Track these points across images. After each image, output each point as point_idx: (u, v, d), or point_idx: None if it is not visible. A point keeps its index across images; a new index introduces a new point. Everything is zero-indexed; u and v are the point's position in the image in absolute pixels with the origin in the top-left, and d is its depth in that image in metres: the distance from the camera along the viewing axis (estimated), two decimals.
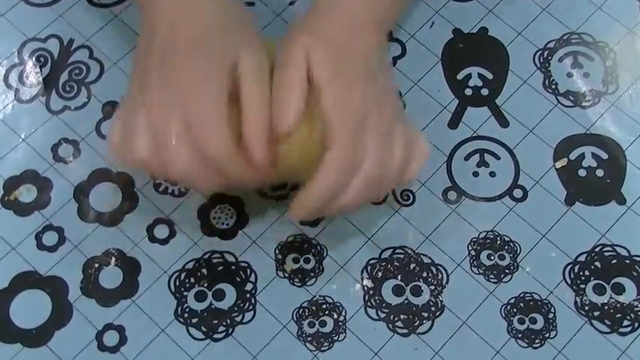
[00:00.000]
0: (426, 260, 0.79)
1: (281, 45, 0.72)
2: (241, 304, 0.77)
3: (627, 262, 0.79)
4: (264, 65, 0.70)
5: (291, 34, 0.72)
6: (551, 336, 0.76)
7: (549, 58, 0.86)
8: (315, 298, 0.77)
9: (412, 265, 0.78)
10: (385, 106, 0.72)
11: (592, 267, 0.78)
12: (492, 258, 0.79)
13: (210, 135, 0.67)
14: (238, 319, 0.77)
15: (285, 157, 0.69)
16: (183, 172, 0.68)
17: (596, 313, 0.77)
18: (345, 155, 0.68)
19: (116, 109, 0.74)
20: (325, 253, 0.79)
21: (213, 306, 0.77)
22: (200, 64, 0.69)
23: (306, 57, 0.70)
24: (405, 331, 0.76)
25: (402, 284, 0.78)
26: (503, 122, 0.84)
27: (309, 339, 0.76)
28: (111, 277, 0.78)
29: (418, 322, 0.77)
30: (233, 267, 0.78)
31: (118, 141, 0.70)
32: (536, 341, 0.76)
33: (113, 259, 0.79)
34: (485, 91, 0.85)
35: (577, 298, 0.77)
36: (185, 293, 0.77)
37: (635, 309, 0.77)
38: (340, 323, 0.76)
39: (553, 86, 0.85)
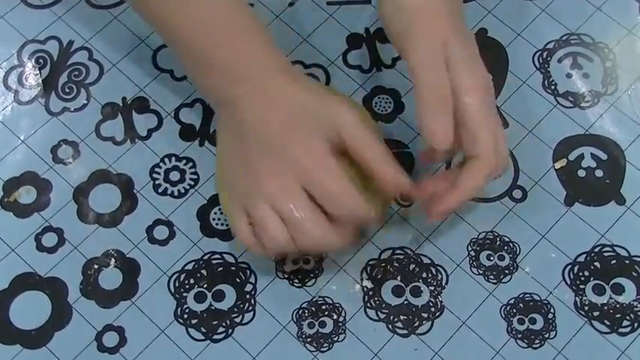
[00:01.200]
0: (426, 261, 0.79)
1: (414, 34, 0.72)
2: (241, 305, 0.77)
3: (627, 262, 0.79)
4: (359, 118, 0.72)
5: (425, 23, 0.73)
6: (550, 336, 0.76)
7: (549, 58, 0.87)
8: (314, 299, 0.77)
9: (412, 266, 0.78)
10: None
11: (591, 267, 0.78)
12: (492, 258, 0.79)
13: (343, 197, 0.71)
14: (238, 319, 0.77)
15: None
16: (318, 241, 0.71)
17: (596, 314, 0.77)
18: (490, 164, 0.72)
19: (233, 206, 0.74)
20: (325, 253, 0.79)
21: (212, 307, 0.77)
22: (302, 137, 0.71)
23: (445, 54, 0.71)
24: (405, 331, 0.76)
25: (402, 285, 0.78)
26: (503, 123, 0.84)
27: (308, 340, 0.76)
28: (110, 278, 0.78)
29: (418, 322, 0.77)
30: (233, 268, 0.78)
31: (254, 241, 0.72)
32: (536, 341, 0.76)
33: (113, 260, 0.79)
34: None
35: (577, 298, 0.77)
36: (185, 294, 0.77)
37: (635, 309, 0.77)
38: (340, 324, 0.76)
39: (552, 87, 0.85)
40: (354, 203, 0.71)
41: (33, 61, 0.87)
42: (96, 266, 0.78)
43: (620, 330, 0.76)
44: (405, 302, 0.77)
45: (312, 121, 0.71)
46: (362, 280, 0.78)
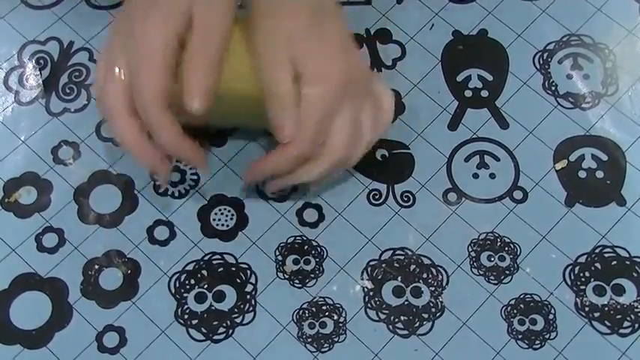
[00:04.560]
0: (426, 261, 0.79)
1: (258, 28, 0.72)
2: (241, 306, 0.77)
3: (627, 263, 0.79)
4: (221, 14, 0.70)
5: (270, 16, 0.72)
6: (551, 337, 0.76)
7: (549, 59, 0.87)
8: (315, 300, 0.77)
9: (412, 267, 0.78)
10: (356, 78, 0.74)
11: (592, 268, 0.78)
12: (492, 259, 0.79)
13: (144, 82, 0.69)
14: (238, 320, 0.77)
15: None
16: (111, 110, 0.71)
17: (597, 314, 0.77)
18: (302, 149, 0.72)
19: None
20: (325, 254, 0.79)
21: (213, 307, 0.77)
22: (150, 13, 0.69)
23: (291, 49, 0.71)
24: (406, 332, 0.76)
25: (402, 285, 0.78)
26: (503, 124, 0.84)
27: (309, 340, 0.76)
28: (111, 278, 0.78)
29: (418, 323, 0.77)
30: (233, 268, 0.78)
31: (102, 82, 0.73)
32: (537, 342, 0.76)
33: (113, 260, 0.79)
34: (485, 93, 0.85)
35: (577, 299, 0.77)
36: (185, 295, 0.77)
37: (636, 310, 0.77)
38: (340, 324, 0.76)
39: (553, 88, 0.85)
40: (154, 98, 0.69)
41: (33, 61, 0.87)
42: (96, 266, 0.78)
43: (621, 331, 0.76)
44: (406, 303, 0.77)
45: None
46: (362, 280, 0.78)
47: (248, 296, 0.77)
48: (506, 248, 0.79)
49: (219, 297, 0.77)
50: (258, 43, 0.72)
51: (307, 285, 0.78)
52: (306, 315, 0.77)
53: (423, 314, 0.77)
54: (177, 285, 0.78)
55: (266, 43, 0.71)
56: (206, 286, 0.78)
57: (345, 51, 0.74)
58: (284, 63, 0.71)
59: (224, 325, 0.76)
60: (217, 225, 0.80)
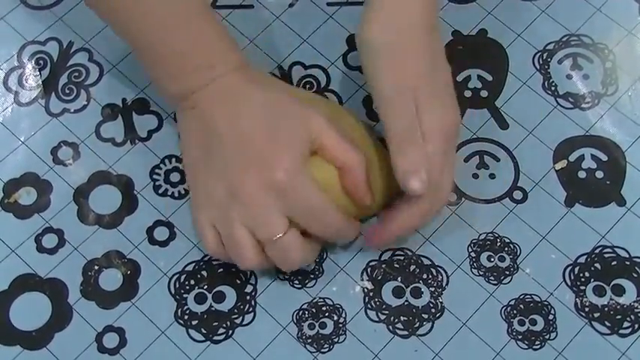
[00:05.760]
0: (426, 262, 0.79)
1: (382, 78, 0.72)
2: (241, 306, 0.77)
3: (627, 263, 0.79)
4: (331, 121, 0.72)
5: (394, 66, 0.72)
6: (551, 337, 0.76)
7: (549, 59, 0.87)
8: (315, 300, 0.77)
9: (412, 267, 0.78)
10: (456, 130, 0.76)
11: (592, 268, 0.78)
12: (492, 259, 0.79)
13: (327, 216, 0.72)
14: (238, 321, 0.77)
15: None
16: (296, 262, 0.73)
17: (597, 315, 0.77)
18: (431, 206, 0.74)
19: (201, 217, 0.74)
20: (325, 254, 0.79)
21: (213, 308, 0.77)
22: (281, 143, 0.71)
23: (414, 97, 0.71)
24: (405, 332, 0.76)
25: (402, 286, 0.78)
26: (503, 124, 0.84)
27: (309, 341, 0.76)
28: (111, 279, 0.78)
29: (418, 323, 0.77)
30: (233, 269, 0.78)
31: (224, 253, 0.74)
32: (537, 343, 0.76)
33: (113, 261, 0.78)
34: (484, 93, 0.85)
35: (577, 299, 0.77)
36: (185, 295, 0.77)
37: (636, 310, 0.77)
38: (340, 325, 0.76)
39: (553, 88, 0.85)
40: (339, 222, 0.72)
41: (33, 62, 0.87)
42: (96, 267, 0.78)
43: (621, 331, 0.76)
44: (406, 303, 0.77)
45: (288, 124, 0.71)
46: (362, 281, 0.78)
47: (248, 297, 0.77)
48: (506, 248, 0.79)
49: (219, 298, 0.77)
50: (379, 96, 0.72)
51: (307, 285, 0.78)
52: (306, 315, 0.77)
53: (423, 315, 0.77)
54: (177, 285, 0.78)
55: (388, 97, 0.72)
56: (206, 286, 0.78)
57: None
58: (408, 111, 0.71)
59: (224, 325, 0.76)
60: None
